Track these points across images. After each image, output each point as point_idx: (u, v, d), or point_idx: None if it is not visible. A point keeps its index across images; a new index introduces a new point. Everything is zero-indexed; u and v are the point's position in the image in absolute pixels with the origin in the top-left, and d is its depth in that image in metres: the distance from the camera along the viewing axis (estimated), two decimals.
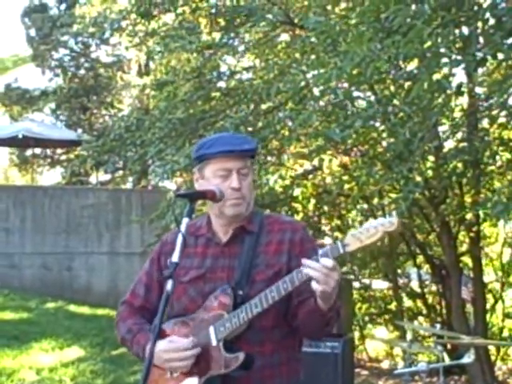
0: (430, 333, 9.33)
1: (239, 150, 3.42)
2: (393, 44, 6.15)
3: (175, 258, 3.17)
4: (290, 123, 9.75)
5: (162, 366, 3.36)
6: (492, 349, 12.74)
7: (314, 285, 3.06)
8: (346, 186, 11.60)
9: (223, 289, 3.36)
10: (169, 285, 3.11)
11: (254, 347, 3.31)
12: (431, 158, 10.19)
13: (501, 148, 9.65)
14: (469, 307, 12.28)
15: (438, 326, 8.90)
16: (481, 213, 10.28)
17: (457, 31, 6.84)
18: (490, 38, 6.00)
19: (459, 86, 6.48)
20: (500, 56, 6.25)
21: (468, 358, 5.96)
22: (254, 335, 3.32)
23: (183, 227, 3.24)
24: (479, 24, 6.39)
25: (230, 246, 3.47)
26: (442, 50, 6.28)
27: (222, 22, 12.01)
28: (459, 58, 6.10)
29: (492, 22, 6.42)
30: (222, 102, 11.51)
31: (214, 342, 3.31)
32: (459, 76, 9.38)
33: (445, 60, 6.20)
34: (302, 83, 8.86)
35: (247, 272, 3.37)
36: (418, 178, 7.79)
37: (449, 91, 6.57)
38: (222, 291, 3.36)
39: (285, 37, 12.66)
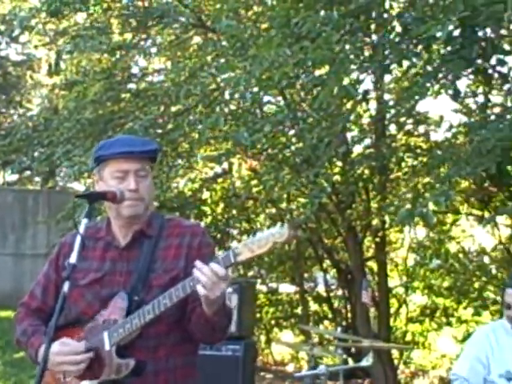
0: (333, 336, 9.42)
1: (137, 151, 3.40)
2: (301, 49, 6.21)
3: (72, 259, 3.13)
4: (200, 126, 9.74)
5: (56, 369, 3.31)
6: (395, 352, 12.95)
7: (199, 288, 3.05)
8: (255, 190, 11.65)
9: (119, 294, 3.33)
10: (65, 286, 3.08)
11: (148, 353, 3.31)
12: (339, 163, 10.33)
13: (407, 154, 9.84)
14: (373, 311, 12.47)
15: (339, 329, 8.97)
16: (387, 218, 10.45)
17: (367, 38, 6.98)
18: (397, 45, 6.12)
19: (365, 92, 6.58)
20: (405, 63, 6.38)
21: (366, 362, 6.05)
22: (148, 341, 3.31)
23: (81, 228, 3.21)
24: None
25: (128, 250, 3.44)
26: (351, 56, 6.37)
27: (134, 23, 11.92)
28: (366, 64, 6.20)
29: (399, 29, 6.56)
30: (131, 103, 11.42)
31: (107, 347, 3.29)
32: (368, 83, 9.57)
33: (352, 66, 6.29)
34: (213, 86, 8.87)
35: (144, 277, 3.35)
36: (325, 183, 7.87)
37: (356, 97, 6.67)
38: (118, 296, 3.33)
39: (197, 39, 12.64)
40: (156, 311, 3.18)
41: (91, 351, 3.28)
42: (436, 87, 6.97)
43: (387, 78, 8.75)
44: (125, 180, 3.37)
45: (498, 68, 6.56)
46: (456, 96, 6.63)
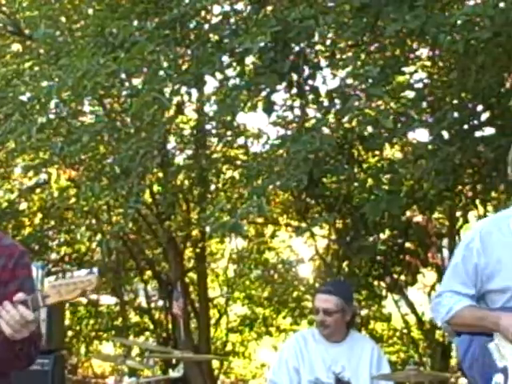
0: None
1: None
2: (114, 60, 6.14)
3: None
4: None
5: None
6: (216, 363, 13.04)
7: (4, 328, 2.86)
8: (72, 201, 11.41)
9: None
10: None
11: None
12: (160, 174, 10.29)
13: (225, 166, 9.93)
14: (195, 322, 12.50)
15: (151, 340, 8.93)
16: (207, 229, 10.50)
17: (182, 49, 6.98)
18: (211, 57, 6.16)
19: (181, 103, 6.59)
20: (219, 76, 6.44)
21: (177, 372, 6.06)
22: None
23: None
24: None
25: None
26: (165, 66, 6.35)
27: None
28: (177, 76, 6.20)
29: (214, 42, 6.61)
30: None
31: None
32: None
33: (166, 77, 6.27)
34: (28, 95, 8.62)
35: None
36: (144, 194, 7.82)
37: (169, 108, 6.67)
38: None
39: (17, 47, 12.27)
40: None
41: None
42: (255, 100, 7.07)
43: (209, 89, 8.82)
44: None
45: (311, 82, 6.70)
46: (269, 109, 6.73)
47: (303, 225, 10.30)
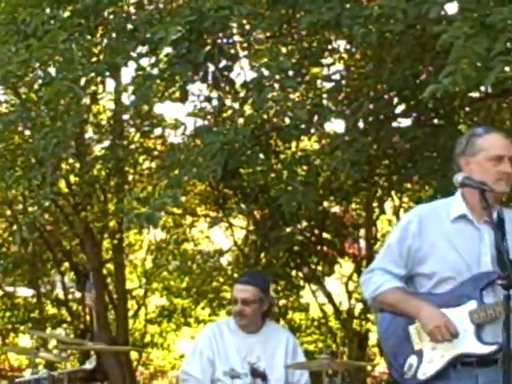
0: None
1: None
2: (27, 48, 6.03)
3: None
4: None
5: None
6: (134, 354, 12.98)
7: None
8: None
9: None
10: None
11: None
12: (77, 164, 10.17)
13: (142, 157, 9.85)
14: (113, 313, 12.42)
15: (63, 332, 8.82)
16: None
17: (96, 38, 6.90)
18: (124, 47, 6.10)
19: (94, 93, 6.51)
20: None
21: (89, 364, 6.00)
22: None
23: None
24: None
25: None
26: (79, 55, 6.25)
27: None
28: (90, 65, 6.13)
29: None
30: None
31: None
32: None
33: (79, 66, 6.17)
34: None
35: None
36: (59, 184, 7.71)
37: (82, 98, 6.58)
38: None
39: None
40: None
41: None
42: (171, 90, 7.03)
43: (126, 79, 8.73)
44: None
45: (226, 73, 6.69)
46: (184, 99, 6.70)
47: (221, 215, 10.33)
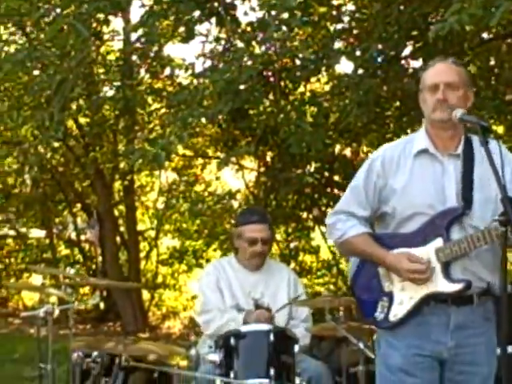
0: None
1: None
2: None
3: None
4: None
5: None
6: (146, 295, 13.10)
7: None
8: None
9: None
10: None
11: None
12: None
13: (151, 97, 9.81)
14: (125, 254, 12.52)
15: (68, 268, 8.86)
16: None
17: None
18: None
19: (99, 32, 6.46)
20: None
21: (93, 300, 6.08)
22: None
23: None
24: None
25: None
26: None
27: None
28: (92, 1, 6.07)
29: None
30: None
31: None
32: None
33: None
34: None
35: None
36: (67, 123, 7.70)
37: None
38: None
39: None
40: None
41: None
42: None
43: (135, 19, 8.66)
44: None
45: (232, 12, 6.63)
46: (189, 37, 6.65)
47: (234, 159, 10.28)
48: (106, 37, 9.49)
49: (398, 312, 3.53)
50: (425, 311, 3.50)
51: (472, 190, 3.47)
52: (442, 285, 3.45)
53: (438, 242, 3.46)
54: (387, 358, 3.60)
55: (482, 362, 3.53)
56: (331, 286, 12.69)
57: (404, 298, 3.52)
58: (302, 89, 9.20)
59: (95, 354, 4.87)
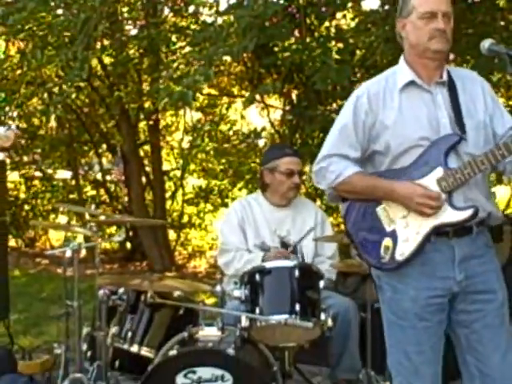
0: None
1: None
2: None
3: None
4: None
5: None
6: (172, 235, 13.16)
7: None
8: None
9: None
10: None
11: None
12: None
13: (175, 35, 9.72)
14: (151, 195, 12.55)
15: (93, 206, 8.87)
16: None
17: None
18: None
19: None
20: None
21: (119, 237, 6.11)
22: None
23: None
24: None
25: None
26: None
27: None
28: None
29: None
30: None
31: None
32: None
33: None
34: None
35: None
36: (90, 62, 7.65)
37: None
38: None
39: None
40: None
41: None
42: None
43: None
44: None
45: None
46: None
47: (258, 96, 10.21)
48: None
49: (404, 250, 3.42)
50: (427, 248, 3.40)
51: (462, 117, 3.39)
52: (449, 215, 3.37)
53: (439, 172, 3.38)
54: (395, 303, 3.53)
55: (496, 289, 3.48)
56: None
57: (409, 234, 3.41)
58: (327, 24, 9.08)
59: (121, 291, 4.91)
